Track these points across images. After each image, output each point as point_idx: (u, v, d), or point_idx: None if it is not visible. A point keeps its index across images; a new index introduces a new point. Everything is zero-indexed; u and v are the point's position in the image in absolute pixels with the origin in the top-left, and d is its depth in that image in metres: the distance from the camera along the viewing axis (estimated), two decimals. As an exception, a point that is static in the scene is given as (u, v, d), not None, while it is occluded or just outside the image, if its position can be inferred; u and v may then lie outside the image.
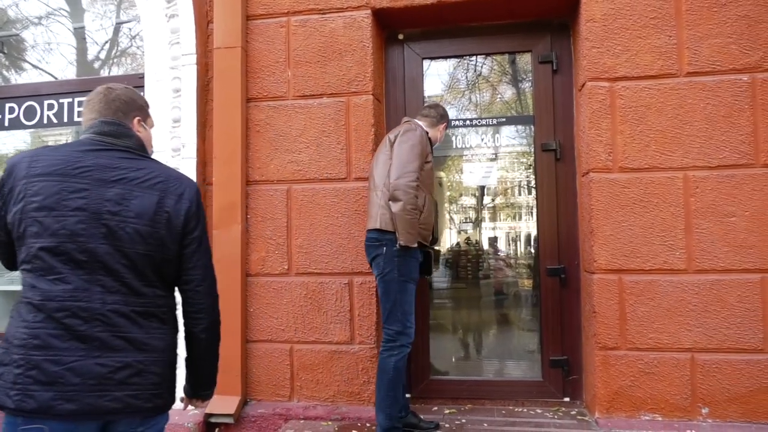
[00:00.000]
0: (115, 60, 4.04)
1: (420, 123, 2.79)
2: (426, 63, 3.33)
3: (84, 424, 1.41)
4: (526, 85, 3.33)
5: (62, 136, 4.31)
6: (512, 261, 3.45)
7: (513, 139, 3.37)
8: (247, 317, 3.10)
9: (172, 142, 3.18)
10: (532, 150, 3.23)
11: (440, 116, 2.86)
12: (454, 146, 3.39)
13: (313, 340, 3.04)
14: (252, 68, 3.17)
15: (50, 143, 4.32)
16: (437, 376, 3.25)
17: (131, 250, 1.45)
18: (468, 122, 3.35)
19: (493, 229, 3.50)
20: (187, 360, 1.65)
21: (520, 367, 3.29)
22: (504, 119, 3.33)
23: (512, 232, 3.48)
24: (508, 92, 3.46)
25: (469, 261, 3.45)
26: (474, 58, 3.40)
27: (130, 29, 3.94)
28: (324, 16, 3.13)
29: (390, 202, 2.52)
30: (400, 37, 3.31)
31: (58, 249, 1.40)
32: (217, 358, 1.69)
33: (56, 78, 3.92)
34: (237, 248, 3.06)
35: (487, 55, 3.38)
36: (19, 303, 1.45)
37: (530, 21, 3.20)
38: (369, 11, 3.07)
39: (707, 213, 2.73)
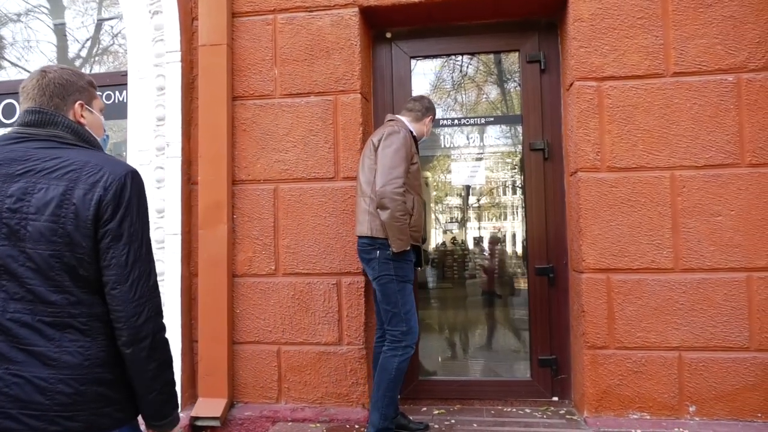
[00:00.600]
0: (96, 58, 3.96)
1: (404, 119, 2.75)
2: (414, 62, 3.31)
3: None
4: (514, 85, 3.33)
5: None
6: (500, 260, 3.44)
7: (501, 138, 3.37)
8: (233, 318, 3.06)
9: (157, 141, 3.13)
10: (520, 150, 3.23)
11: (425, 109, 2.80)
12: (442, 146, 3.38)
13: (300, 341, 3.00)
14: (238, 66, 3.12)
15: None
16: (426, 377, 3.24)
17: (34, 251, 1.27)
18: (456, 122, 3.34)
19: (481, 229, 3.49)
20: None
21: (509, 366, 3.29)
22: (492, 119, 3.33)
23: (500, 231, 3.47)
24: (495, 92, 3.46)
25: (456, 261, 3.45)
26: (462, 57, 3.39)
27: (111, 27, 3.87)
28: (311, 13, 3.09)
29: (378, 210, 2.50)
30: (388, 35, 3.29)
31: None
32: (160, 382, 1.38)
33: (36, 75, 3.83)
34: (223, 248, 3.01)
35: (475, 54, 3.37)
36: None
37: (518, 20, 3.20)
38: (356, 9, 3.05)
39: (694, 212, 2.75)
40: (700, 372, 2.71)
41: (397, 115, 2.81)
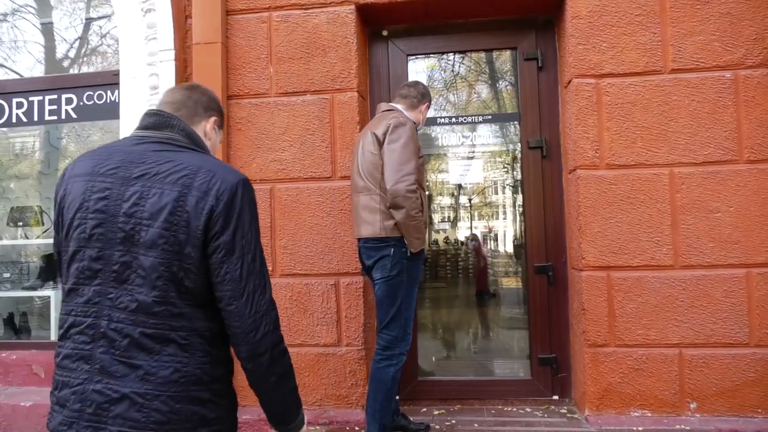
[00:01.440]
0: (84, 59, 3.90)
1: (398, 106, 2.65)
2: (411, 60, 3.28)
3: None
4: (512, 83, 3.32)
5: (31, 137, 4.15)
6: (500, 259, 3.43)
7: (499, 136, 3.35)
8: (230, 321, 3.01)
9: (150, 141, 3.07)
10: (519, 147, 3.22)
11: (421, 95, 2.69)
12: (439, 144, 3.36)
13: (299, 342, 2.96)
14: (233, 65, 3.08)
15: (17, 143, 4.15)
16: (425, 377, 3.21)
17: (145, 257, 1.24)
18: (453, 120, 3.32)
19: (480, 227, 3.47)
20: None
21: (509, 366, 3.27)
22: (490, 116, 3.31)
23: (500, 229, 3.46)
24: (493, 90, 3.44)
25: (457, 260, 3.42)
26: (459, 55, 3.37)
27: (100, 27, 3.81)
28: (306, 11, 3.06)
29: (392, 210, 2.39)
30: (384, 33, 3.26)
31: (78, 255, 1.27)
32: (282, 393, 1.36)
33: (22, 76, 3.76)
34: (219, 250, 2.96)
35: (473, 51, 3.35)
36: None
37: (515, 18, 3.19)
38: (353, 6, 3.01)
39: (693, 209, 2.75)
40: (701, 369, 2.71)
41: (392, 104, 2.70)
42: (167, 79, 3.05)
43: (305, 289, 2.98)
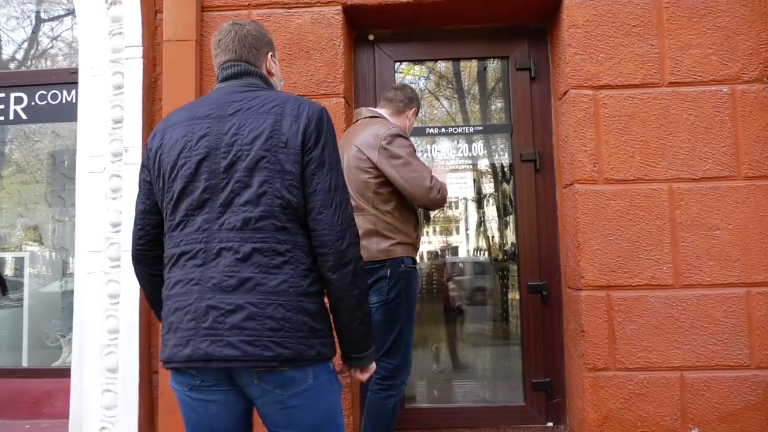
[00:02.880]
0: (33, 61, 3.55)
1: (382, 112, 2.45)
2: (398, 66, 3.12)
3: (204, 372, 1.31)
4: (503, 93, 3.19)
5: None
6: (491, 277, 3.27)
7: (490, 148, 3.21)
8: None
9: (113, 146, 2.77)
10: (510, 160, 3.08)
11: (408, 99, 2.50)
12: (429, 155, 3.19)
13: (277, 369, 2.70)
14: (208, 65, 2.83)
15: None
16: (412, 405, 3.00)
17: (249, 178, 1.33)
18: (443, 130, 3.16)
19: (469, 243, 3.31)
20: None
21: (501, 391, 3.09)
22: (481, 128, 3.17)
23: (491, 246, 3.30)
24: (484, 100, 3.31)
25: (445, 278, 3.24)
26: (449, 62, 3.23)
27: (52, 27, 3.49)
28: (290, 10, 2.85)
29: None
30: (371, 37, 3.09)
31: (186, 190, 1.37)
32: (362, 311, 1.41)
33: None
34: (189, 267, 2.68)
35: (463, 59, 3.21)
36: (164, 261, 1.44)
37: (507, 26, 3.08)
38: (340, 7, 2.83)
39: (692, 226, 2.66)
40: (702, 392, 2.60)
41: (377, 109, 2.48)
42: (134, 77, 2.77)
43: (285, 310, 2.72)
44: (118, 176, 2.76)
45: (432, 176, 2.26)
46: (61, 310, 3.37)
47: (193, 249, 1.34)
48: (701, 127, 2.70)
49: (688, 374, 2.61)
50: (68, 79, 3.08)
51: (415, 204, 2.30)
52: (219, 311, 1.29)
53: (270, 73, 1.58)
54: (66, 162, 3.44)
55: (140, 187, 1.51)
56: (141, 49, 2.77)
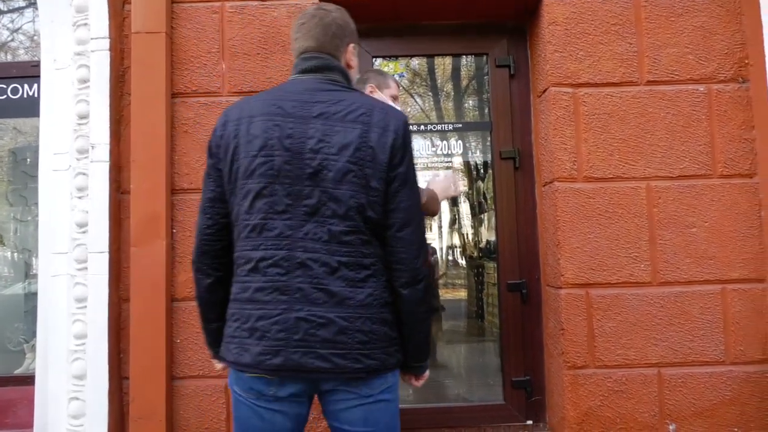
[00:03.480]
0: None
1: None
2: (376, 62, 3.06)
3: (291, 382, 1.33)
4: (483, 90, 3.16)
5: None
6: (470, 275, 3.24)
7: (469, 145, 3.18)
8: (173, 350, 2.63)
9: (78, 143, 2.65)
10: (490, 158, 3.06)
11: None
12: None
13: (253, 373, 2.63)
14: (179, 58, 2.72)
15: None
16: (392, 406, 2.95)
17: (336, 191, 1.32)
18: (421, 128, 3.11)
19: (448, 241, 3.28)
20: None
21: (481, 390, 3.08)
22: (460, 125, 3.14)
23: (466, 244, 3.28)
24: (463, 96, 3.28)
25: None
26: (428, 58, 3.18)
27: (12, 20, 3.32)
28: (264, 3, 2.76)
29: None
30: (348, 32, 3.01)
31: (266, 191, 1.32)
32: (426, 325, 1.49)
33: None
34: (161, 268, 2.58)
35: (442, 56, 3.17)
36: (236, 261, 1.40)
37: (486, 23, 3.04)
38: (316, 1, 2.75)
39: (669, 224, 2.68)
40: (679, 388, 2.63)
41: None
42: (100, 71, 2.64)
43: (261, 312, 2.65)
44: (84, 174, 2.64)
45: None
46: (24, 313, 3.22)
47: (275, 256, 1.32)
48: (678, 125, 2.72)
49: (665, 371, 2.64)
50: (30, 72, 2.93)
51: None
52: (310, 324, 1.30)
53: (349, 66, 1.55)
54: (28, 159, 3.28)
55: (209, 174, 1.45)
56: (108, 41, 2.65)
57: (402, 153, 1.37)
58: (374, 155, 1.32)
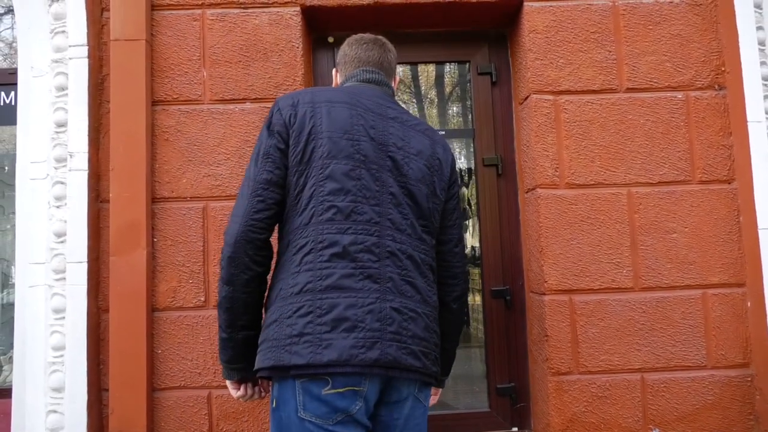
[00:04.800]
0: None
1: None
2: (359, 69, 3.06)
3: (375, 378, 1.21)
4: (465, 97, 3.17)
5: None
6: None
7: (453, 152, 3.18)
8: (153, 361, 2.59)
9: (56, 151, 2.61)
10: (472, 165, 3.06)
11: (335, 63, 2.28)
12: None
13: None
14: (159, 66, 2.70)
15: None
16: (377, 414, 2.93)
17: (415, 188, 1.33)
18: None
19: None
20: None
21: (465, 397, 3.07)
22: (443, 132, 3.14)
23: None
24: (445, 104, 3.28)
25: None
26: (409, 66, 3.19)
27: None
28: (246, 10, 2.75)
29: None
30: (330, 40, 3.02)
31: (354, 174, 1.28)
32: (458, 338, 1.54)
33: None
34: (141, 278, 2.54)
35: (424, 63, 3.18)
36: (286, 252, 1.29)
37: (467, 30, 3.06)
38: (298, 8, 2.75)
39: (651, 230, 2.71)
40: (662, 393, 2.64)
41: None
42: (79, 79, 2.61)
43: (244, 321, 2.62)
44: (62, 183, 2.60)
45: None
46: (1, 325, 3.16)
47: (366, 241, 1.25)
48: (658, 132, 2.75)
49: (648, 376, 2.65)
50: (7, 80, 2.89)
51: None
52: (402, 316, 1.23)
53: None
54: (6, 168, 3.22)
55: (267, 155, 1.36)
56: (86, 48, 2.62)
57: (457, 174, 1.44)
58: (441, 168, 1.38)
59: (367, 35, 1.68)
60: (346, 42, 1.75)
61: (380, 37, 1.68)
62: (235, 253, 1.33)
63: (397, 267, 1.26)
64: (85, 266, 2.55)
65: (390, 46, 1.67)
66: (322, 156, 1.28)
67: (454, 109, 3.28)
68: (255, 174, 1.36)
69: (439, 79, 3.27)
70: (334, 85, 2.15)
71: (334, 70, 2.15)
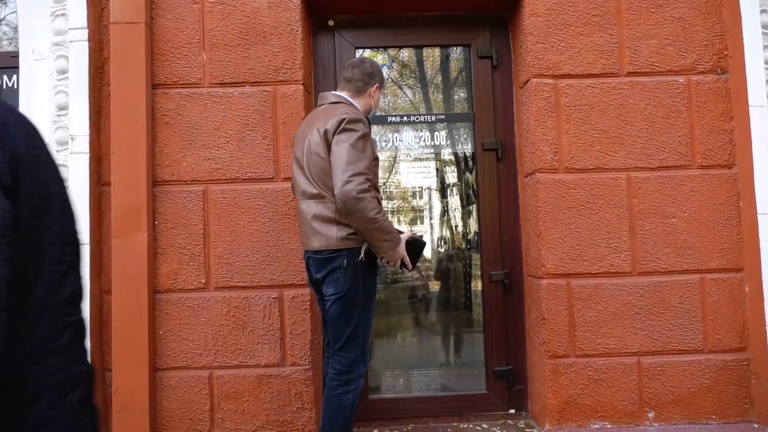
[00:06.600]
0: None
1: (343, 95, 2.29)
2: (359, 53, 3.05)
3: None
4: (465, 82, 3.16)
5: None
6: (454, 266, 3.25)
7: (452, 137, 3.18)
8: (155, 341, 2.63)
9: (58, 134, 2.63)
10: (473, 149, 3.06)
11: (368, 76, 2.29)
12: (391, 144, 3.14)
13: (236, 363, 2.64)
14: (159, 49, 2.70)
15: None
16: (376, 395, 2.97)
17: None
18: (405, 119, 3.11)
19: (434, 232, 3.29)
20: None
21: (464, 379, 3.10)
22: (443, 116, 3.13)
23: (455, 235, 3.28)
24: (446, 88, 3.27)
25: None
26: (411, 50, 3.18)
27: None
28: (245, -7, 2.74)
29: (345, 217, 2.06)
30: (331, 23, 3.01)
31: None
32: None
33: None
34: (143, 260, 2.57)
35: (425, 47, 3.17)
36: None
37: (468, 14, 3.04)
38: (297, -10, 2.74)
39: (649, 214, 2.71)
40: (658, 377, 2.66)
41: (339, 92, 2.33)
42: (79, 62, 2.62)
43: (244, 303, 2.65)
44: (64, 166, 2.62)
45: (361, 172, 2.03)
46: (7, 306, 3.20)
47: None
48: (658, 116, 2.73)
49: (644, 359, 2.67)
50: (9, 63, 2.89)
51: (335, 191, 2.04)
52: None
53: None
54: (9, 151, 3.25)
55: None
56: (86, 31, 2.63)
57: None
58: None
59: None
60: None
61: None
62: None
63: None
64: (87, 249, 2.58)
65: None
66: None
67: (455, 93, 3.26)
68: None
69: (440, 63, 3.26)
70: (375, 100, 2.38)
71: (375, 87, 2.33)
